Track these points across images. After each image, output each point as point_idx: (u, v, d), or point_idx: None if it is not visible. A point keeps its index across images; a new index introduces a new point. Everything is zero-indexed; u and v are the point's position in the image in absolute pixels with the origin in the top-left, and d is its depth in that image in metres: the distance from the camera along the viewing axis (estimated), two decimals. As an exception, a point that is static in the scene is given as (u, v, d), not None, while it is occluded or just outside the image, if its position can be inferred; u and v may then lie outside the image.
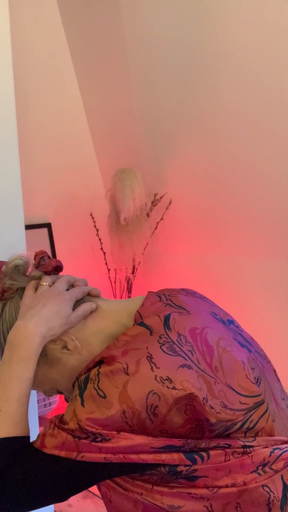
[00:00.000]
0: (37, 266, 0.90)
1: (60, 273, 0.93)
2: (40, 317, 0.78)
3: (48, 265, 0.89)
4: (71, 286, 0.87)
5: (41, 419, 2.35)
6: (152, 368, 0.69)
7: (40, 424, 2.29)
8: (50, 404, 2.38)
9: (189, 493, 0.70)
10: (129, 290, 2.57)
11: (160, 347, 0.72)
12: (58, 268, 0.89)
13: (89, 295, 0.87)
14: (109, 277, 2.60)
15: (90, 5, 2.19)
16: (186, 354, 0.72)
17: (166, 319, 0.76)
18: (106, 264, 2.57)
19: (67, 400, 0.98)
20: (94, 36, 2.28)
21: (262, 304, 2.17)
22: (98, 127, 2.53)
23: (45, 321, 0.78)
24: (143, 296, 0.86)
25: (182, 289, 0.89)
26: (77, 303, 0.84)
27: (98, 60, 2.33)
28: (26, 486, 0.70)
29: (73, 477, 0.70)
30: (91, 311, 0.84)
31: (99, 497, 1.87)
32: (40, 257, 0.90)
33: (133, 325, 0.78)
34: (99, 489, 0.78)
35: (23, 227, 1.44)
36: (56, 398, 2.38)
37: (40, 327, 0.77)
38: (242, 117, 1.92)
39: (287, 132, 1.83)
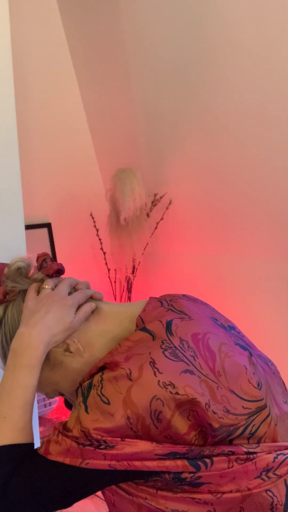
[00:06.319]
0: (39, 268, 0.90)
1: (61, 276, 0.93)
2: (43, 324, 0.78)
3: (50, 268, 0.88)
4: (73, 289, 0.87)
5: (41, 419, 2.35)
6: (155, 373, 0.69)
7: (40, 424, 2.29)
8: (50, 404, 2.38)
9: (193, 498, 0.71)
10: (129, 290, 2.56)
11: (163, 352, 0.72)
12: (60, 272, 0.89)
13: (92, 299, 0.87)
14: (109, 277, 2.60)
15: (90, 4, 2.19)
16: (188, 360, 0.72)
17: (168, 325, 0.76)
18: (106, 264, 2.56)
19: (67, 404, 0.98)
20: (94, 36, 2.27)
21: (263, 304, 2.17)
22: (98, 127, 2.53)
23: (49, 328, 0.78)
24: (144, 300, 0.86)
25: (184, 295, 0.89)
26: (79, 307, 0.84)
27: (98, 60, 2.33)
28: (30, 493, 0.69)
29: (78, 484, 0.70)
30: (91, 311, 0.84)
31: (99, 497, 1.88)
32: (42, 259, 0.89)
33: (135, 330, 0.78)
34: (103, 493, 0.78)
35: (23, 227, 1.44)
36: (56, 399, 2.38)
37: (44, 335, 0.77)
38: (242, 116, 1.92)
39: None
